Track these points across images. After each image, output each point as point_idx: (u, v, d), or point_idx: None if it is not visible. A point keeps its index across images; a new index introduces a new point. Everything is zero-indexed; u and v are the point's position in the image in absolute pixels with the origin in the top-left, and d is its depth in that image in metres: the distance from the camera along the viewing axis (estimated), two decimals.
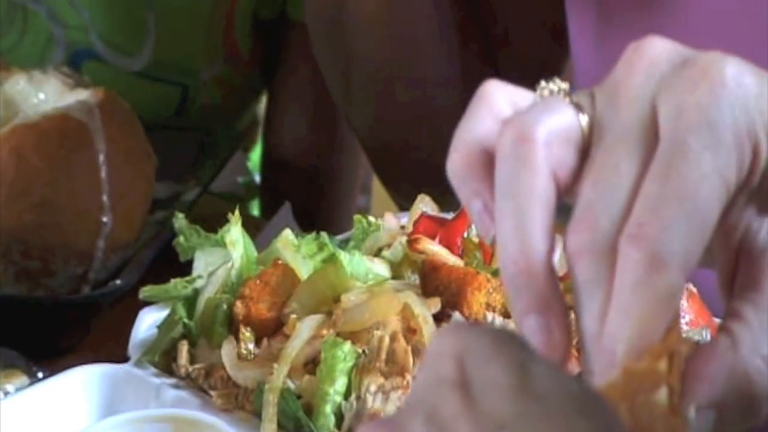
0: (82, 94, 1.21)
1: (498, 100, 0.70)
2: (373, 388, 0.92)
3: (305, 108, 1.47)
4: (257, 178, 1.77)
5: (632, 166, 0.65)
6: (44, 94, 1.24)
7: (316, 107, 1.59)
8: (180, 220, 1.09)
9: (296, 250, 1.02)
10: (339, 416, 0.93)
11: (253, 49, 1.59)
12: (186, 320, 1.03)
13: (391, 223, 1.11)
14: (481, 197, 0.68)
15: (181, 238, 1.08)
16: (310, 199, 1.59)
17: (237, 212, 1.06)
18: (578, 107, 0.68)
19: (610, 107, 0.67)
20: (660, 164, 0.64)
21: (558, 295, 0.66)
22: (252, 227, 1.08)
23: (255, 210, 1.71)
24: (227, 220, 1.06)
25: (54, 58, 1.56)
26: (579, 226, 0.65)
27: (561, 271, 0.66)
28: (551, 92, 0.70)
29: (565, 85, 0.70)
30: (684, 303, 1.00)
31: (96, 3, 1.54)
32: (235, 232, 1.05)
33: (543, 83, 0.70)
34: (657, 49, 0.68)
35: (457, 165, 0.69)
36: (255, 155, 1.79)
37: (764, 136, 0.66)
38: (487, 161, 0.69)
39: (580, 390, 0.59)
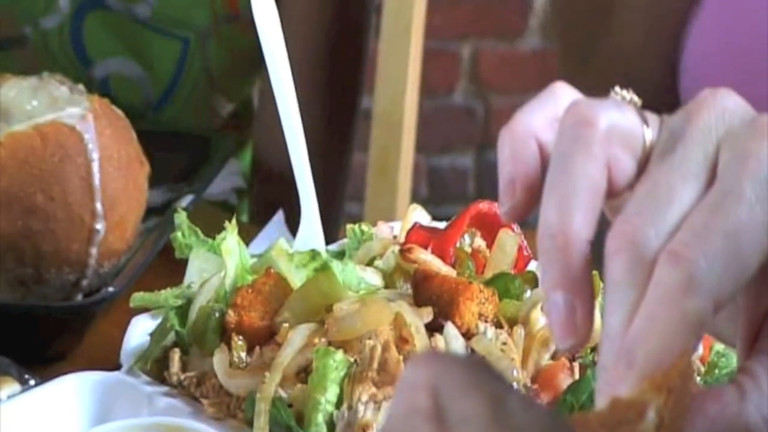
0: (76, 102, 1.22)
1: (565, 100, 0.70)
2: (364, 397, 0.92)
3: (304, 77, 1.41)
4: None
5: (687, 192, 0.66)
6: (37, 101, 1.24)
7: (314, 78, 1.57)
8: (181, 217, 1.10)
9: (289, 259, 1.03)
10: (331, 425, 0.93)
11: (249, 5, 1.59)
12: (178, 328, 1.03)
13: (383, 232, 1.12)
14: (513, 183, 0.69)
15: (179, 235, 1.09)
16: (296, 204, 1.58)
17: (234, 221, 1.07)
18: (645, 121, 0.68)
19: (677, 134, 0.67)
20: (713, 200, 0.65)
21: (588, 281, 0.66)
22: (243, 233, 1.08)
23: (243, 215, 1.71)
24: (222, 228, 1.07)
25: (54, 12, 1.56)
26: (624, 227, 0.65)
27: None
28: (623, 99, 0.70)
29: (637, 99, 0.70)
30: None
31: None
32: (231, 241, 1.06)
33: (617, 89, 0.70)
34: (732, 101, 0.68)
35: (505, 144, 0.70)
36: (245, 159, 1.79)
37: None
38: (533, 151, 0.69)
39: (554, 424, 0.58)
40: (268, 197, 1.63)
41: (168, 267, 1.10)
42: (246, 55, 1.62)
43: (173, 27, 1.57)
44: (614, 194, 0.68)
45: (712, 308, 0.64)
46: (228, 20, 1.58)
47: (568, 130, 0.68)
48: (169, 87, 1.61)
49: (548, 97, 0.71)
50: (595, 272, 0.68)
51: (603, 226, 0.68)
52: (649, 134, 0.68)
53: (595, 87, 1.29)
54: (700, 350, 1.02)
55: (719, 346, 1.02)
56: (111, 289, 1.16)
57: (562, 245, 0.66)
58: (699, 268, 0.64)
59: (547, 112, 0.70)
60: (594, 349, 1.00)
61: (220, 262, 1.05)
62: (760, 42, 1.16)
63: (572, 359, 1.00)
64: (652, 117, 0.69)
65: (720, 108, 0.68)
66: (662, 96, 1.23)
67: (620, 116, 0.68)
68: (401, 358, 0.94)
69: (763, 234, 0.65)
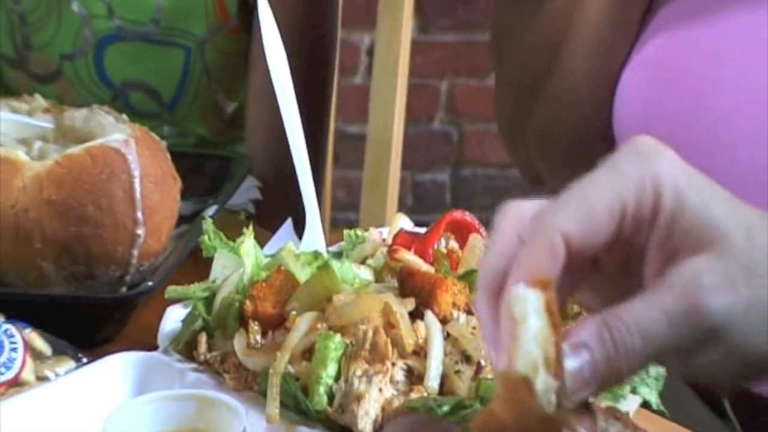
0: (120, 129, 1.21)
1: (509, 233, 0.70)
2: (358, 372, 0.92)
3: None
4: None
5: None
6: (89, 128, 1.24)
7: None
8: (207, 224, 1.09)
9: (296, 258, 1.02)
10: (330, 396, 0.93)
11: (239, 14, 1.57)
12: (205, 316, 1.03)
13: (374, 236, 1.12)
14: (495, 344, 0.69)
15: (206, 238, 1.08)
16: (274, 202, 1.56)
17: (251, 227, 1.07)
18: None
19: None
20: None
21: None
22: (258, 237, 1.08)
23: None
24: (241, 233, 1.07)
25: (82, 45, 1.56)
26: None
27: None
28: None
29: None
30: None
31: None
32: (248, 244, 1.06)
33: None
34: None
35: (479, 288, 0.70)
36: None
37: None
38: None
39: None
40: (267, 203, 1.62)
41: (196, 265, 1.10)
42: (236, 57, 1.61)
43: (176, 38, 1.57)
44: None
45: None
46: (220, 29, 1.58)
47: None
48: (178, 90, 1.61)
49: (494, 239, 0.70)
50: None
51: None
52: None
53: (544, 120, 1.28)
54: None
55: None
56: (149, 283, 1.16)
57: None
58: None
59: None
60: None
61: (239, 261, 1.05)
62: (681, 83, 1.16)
63: None
64: None
65: None
66: (603, 124, 1.23)
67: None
68: (388, 340, 0.94)
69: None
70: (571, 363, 0.66)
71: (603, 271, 0.71)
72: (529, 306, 0.64)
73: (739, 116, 1.10)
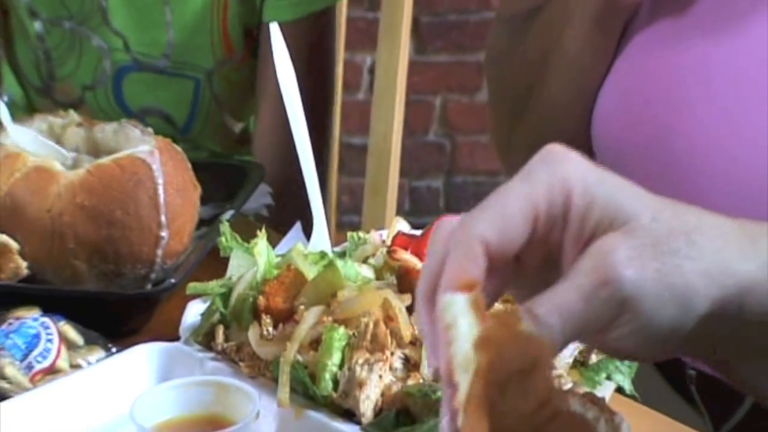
0: (146, 141, 1.21)
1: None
2: (360, 361, 0.92)
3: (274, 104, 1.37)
4: None
5: None
6: (118, 140, 1.24)
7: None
8: (224, 227, 1.09)
9: (305, 258, 1.03)
10: (335, 382, 0.93)
11: (244, 47, 1.57)
12: (222, 310, 1.03)
13: (375, 238, 1.12)
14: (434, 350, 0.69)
15: (223, 240, 1.08)
16: (285, 207, 1.56)
17: (264, 230, 1.07)
18: None
19: None
20: None
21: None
22: (270, 239, 1.08)
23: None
24: (255, 235, 1.07)
25: (102, 77, 1.56)
26: None
27: None
28: None
29: None
30: None
31: (129, 28, 1.54)
32: (261, 244, 1.06)
33: None
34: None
35: (417, 301, 0.70)
36: None
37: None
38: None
39: None
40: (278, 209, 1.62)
41: (215, 264, 1.10)
42: (242, 84, 1.61)
43: (186, 71, 1.57)
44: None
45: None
46: (226, 62, 1.58)
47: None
48: (190, 115, 1.61)
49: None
50: None
51: None
52: None
53: (530, 133, 1.27)
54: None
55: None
56: (172, 280, 1.16)
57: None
58: None
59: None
60: None
61: (253, 261, 1.05)
62: (654, 106, 1.15)
63: None
64: None
65: None
66: (582, 140, 1.22)
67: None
68: (388, 331, 0.94)
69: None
70: None
71: (527, 270, 0.71)
72: (457, 309, 0.65)
73: (708, 136, 1.10)
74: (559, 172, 0.68)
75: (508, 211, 0.68)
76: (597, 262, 0.66)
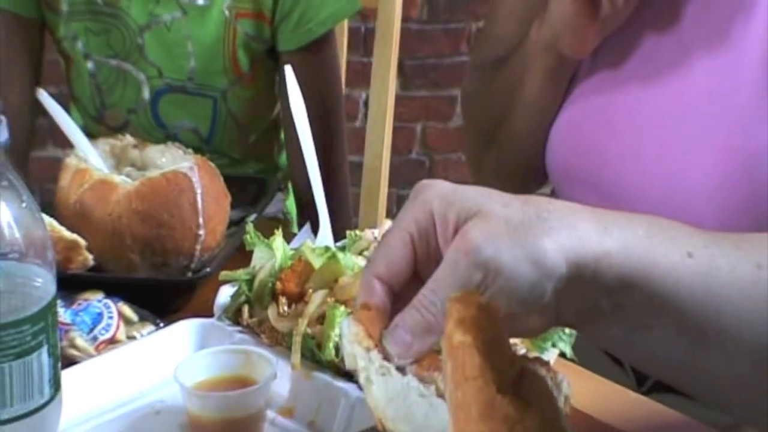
0: (187, 159, 1.21)
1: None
2: None
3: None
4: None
5: None
6: (165, 158, 1.24)
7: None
8: (249, 227, 1.09)
9: (312, 251, 1.02)
10: (337, 349, 0.93)
11: (251, 69, 1.56)
12: (247, 293, 1.02)
13: (368, 235, 1.11)
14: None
15: (248, 237, 1.08)
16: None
17: (280, 230, 1.07)
18: None
19: None
20: None
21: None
22: (286, 236, 1.08)
23: (295, 228, 1.69)
24: (274, 233, 1.07)
25: (142, 101, 1.56)
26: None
27: None
28: None
29: None
30: None
31: (161, 59, 1.53)
32: (278, 241, 1.05)
33: None
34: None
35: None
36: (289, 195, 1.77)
37: None
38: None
39: None
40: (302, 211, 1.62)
41: (241, 256, 1.10)
42: (253, 101, 1.59)
43: (205, 90, 1.56)
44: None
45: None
46: (236, 82, 1.57)
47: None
48: (211, 128, 1.60)
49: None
50: None
51: None
52: None
53: (496, 159, 1.26)
54: None
55: None
56: (208, 269, 1.16)
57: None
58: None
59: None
60: None
61: (272, 254, 1.05)
62: (593, 140, 1.14)
63: None
64: None
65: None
66: (540, 167, 1.22)
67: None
68: None
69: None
70: (389, 337, 0.66)
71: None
72: (344, 328, 0.67)
73: (640, 165, 1.10)
74: (421, 197, 0.68)
75: (389, 244, 0.68)
76: (458, 241, 0.65)
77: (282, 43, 1.54)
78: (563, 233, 0.65)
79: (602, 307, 0.67)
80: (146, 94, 1.56)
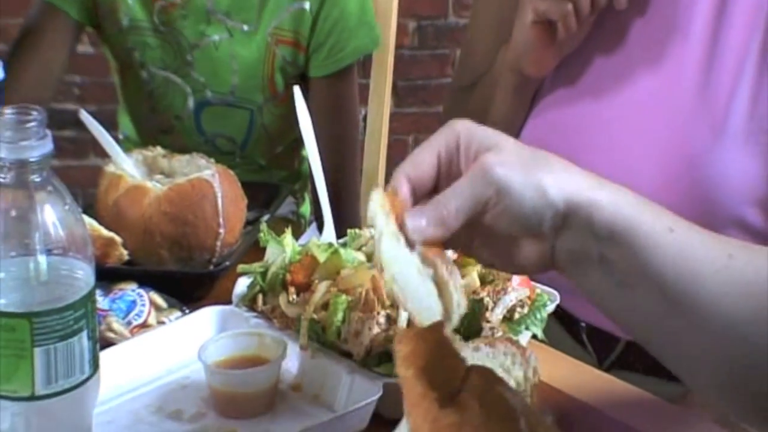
0: (209, 167, 1.21)
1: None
2: (356, 318, 0.91)
3: (321, 139, 1.27)
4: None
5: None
6: (190, 167, 1.24)
7: (330, 138, 1.48)
8: (263, 226, 1.08)
9: (318, 247, 1.02)
10: (339, 333, 0.92)
11: (285, 89, 1.55)
12: (261, 283, 1.02)
13: (366, 233, 1.11)
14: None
15: (262, 234, 1.08)
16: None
17: (290, 229, 1.06)
18: None
19: None
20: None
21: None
22: (295, 234, 1.07)
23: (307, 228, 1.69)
24: (284, 231, 1.06)
25: (187, 109, 1.55)
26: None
27: None
28: None
29: None
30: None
31: (207, 75, 1.53)
32: (288, 238, 1.05)
33: None
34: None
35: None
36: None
37: None
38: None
39: None
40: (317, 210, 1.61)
41: (256, 251, 1.09)
42: (283, 117, 1.58)
43: (245, 104, 1.56)
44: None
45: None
46: (271, 99, 1.56)
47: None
48: (246, 137, 1.59)
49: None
50: None
51: None
52: None
53: None
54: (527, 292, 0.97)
55: (540, 288, 0.99)
56: (227, 263, 1.15)
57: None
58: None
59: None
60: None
61: (282, 249, 1.04)
62: (552, 148, 1.14)
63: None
64: None
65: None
66: None
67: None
68: (375, 297, 0.93)
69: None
70: (409, 216, 0.68)
71: (477, 235, 0.72)
72: (376, 200, 0.69)
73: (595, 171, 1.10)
74: (452, 127, 0.72)
75: (420, 153, 0.72)
76: (477, 165, 0.69)
77: (313, 70, 1.53)
78: (563, 175, 0.68)
79: (591, 254, 0.68)
80: (191, 104, 1.55)
